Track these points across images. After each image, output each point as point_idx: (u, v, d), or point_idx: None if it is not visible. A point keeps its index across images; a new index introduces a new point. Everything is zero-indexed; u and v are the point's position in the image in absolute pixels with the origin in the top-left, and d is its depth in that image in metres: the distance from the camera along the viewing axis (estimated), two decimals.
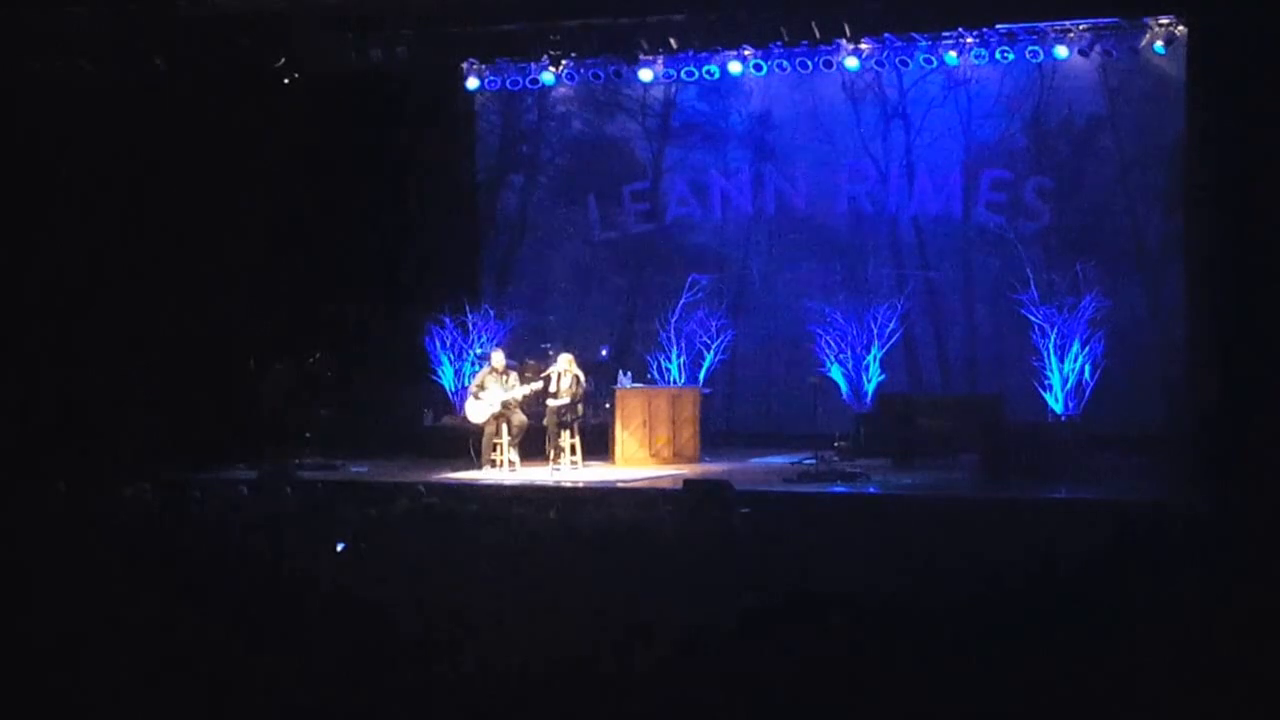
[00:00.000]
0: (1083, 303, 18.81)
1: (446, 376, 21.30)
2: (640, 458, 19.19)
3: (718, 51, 20.82)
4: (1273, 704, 6.49)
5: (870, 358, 20.22)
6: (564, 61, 21.01)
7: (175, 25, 19.27)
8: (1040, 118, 20.71)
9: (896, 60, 20.39)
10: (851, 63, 20.35)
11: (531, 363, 20.11)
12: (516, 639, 7.72)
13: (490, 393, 18.63)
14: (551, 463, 18.54)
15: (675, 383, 20.40)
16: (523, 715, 6.83)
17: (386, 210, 21.49)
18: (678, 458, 19.17)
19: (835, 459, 18.36)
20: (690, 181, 22.33)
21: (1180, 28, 18.60)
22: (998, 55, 19.95)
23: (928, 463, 18.47)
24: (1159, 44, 19.08)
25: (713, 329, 20.71)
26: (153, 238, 20.10)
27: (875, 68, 20.70)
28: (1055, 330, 18.87)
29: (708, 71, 21.12)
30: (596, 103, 22.64)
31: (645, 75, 21.27)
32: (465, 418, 19.07)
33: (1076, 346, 18.77)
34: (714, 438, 20.26)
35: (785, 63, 20.79)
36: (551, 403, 18.70)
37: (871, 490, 16.90)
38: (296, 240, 20.74)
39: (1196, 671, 6.88)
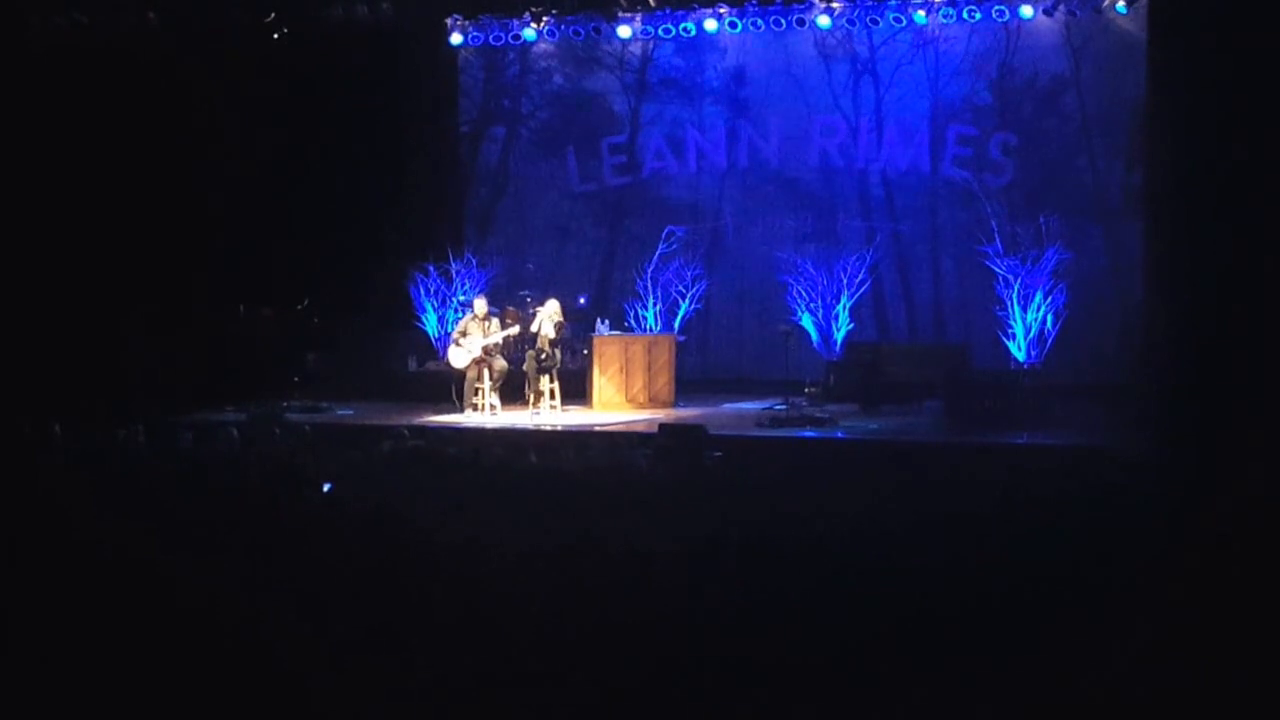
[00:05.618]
0: (1045, 255, 19.06)
1: (430, 323, 21.52)
2: (617, 403, 19.32)
3: (694, 9, 21.30)
4: (1216, 637, 6.74)
5: (840, 307, 20.47)
6: (545, 18, 21.49)
7: None
8: (1006, 75, 20.96)
9: (867, 19, 20.89)
10: (823, 21, 20.86)
11: (512, 309, 20.19)
12: (498, 570, 7.92)
13: (472, 339, 18.60)
14: (531, 407, 18.50)
15: (651, 330, 20.55)
16: (493, 651, 6.73)
17: (373, 162, 21.55)
18: (653, 403, 19.31)
19: (805, 405, 18.38)
20: (667, 135, 22.55)
21: None
22: (965, 14, 20.44)
23: (894, 409, 18.62)
24: (1121, 4, 19.52)
25: (687, 279, 20.87)
26: (144, 185, 20.22)
27: (846, 26, 21.12)
28: (1019, 281, 19.14)
29: (684, 29, 21.56)
30: (576, 58, 22.82)
31: (624, 32, 21.73)
32: (448, 363, 19.09)
33: (1039, 297, 19.04)
34: (688, 384, 20.26)
35: (759, 20, 21.21)
36: (539, 342, 18.66)
37: (839, 435, 16.92)
38: (285, 191, 20.83)
39: (1144, 610, 7.14)
